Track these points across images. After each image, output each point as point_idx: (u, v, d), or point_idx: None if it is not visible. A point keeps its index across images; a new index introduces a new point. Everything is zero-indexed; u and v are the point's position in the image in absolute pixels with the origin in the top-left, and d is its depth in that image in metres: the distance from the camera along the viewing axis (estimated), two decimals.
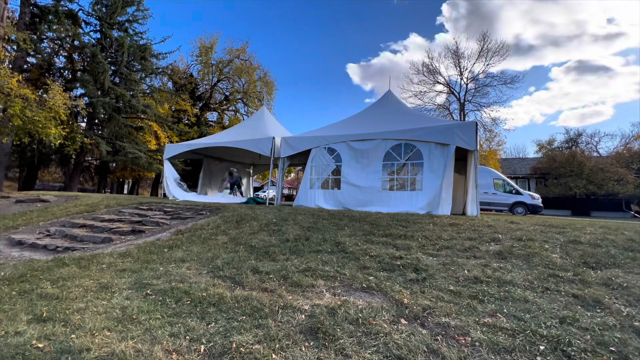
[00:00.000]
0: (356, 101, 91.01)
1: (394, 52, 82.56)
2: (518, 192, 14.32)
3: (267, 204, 11.18)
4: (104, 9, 19.24)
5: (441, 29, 67.76)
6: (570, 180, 22.02)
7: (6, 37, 12.79)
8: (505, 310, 2.68)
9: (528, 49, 58.41)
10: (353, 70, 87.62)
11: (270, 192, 18.07)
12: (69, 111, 13.94)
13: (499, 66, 26.46)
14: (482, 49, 26.66)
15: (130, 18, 20.46)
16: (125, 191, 33.31)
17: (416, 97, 28.70)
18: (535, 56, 61.93)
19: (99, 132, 19.49)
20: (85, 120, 19.88)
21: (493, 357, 2.08)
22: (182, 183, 13.35)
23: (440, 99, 28.95)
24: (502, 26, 52.81)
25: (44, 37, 17.54)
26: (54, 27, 17.06)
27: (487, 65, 26.76)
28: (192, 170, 24.41)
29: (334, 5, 76.63)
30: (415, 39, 71.77)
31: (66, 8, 17.39)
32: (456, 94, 28.06)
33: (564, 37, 58.22)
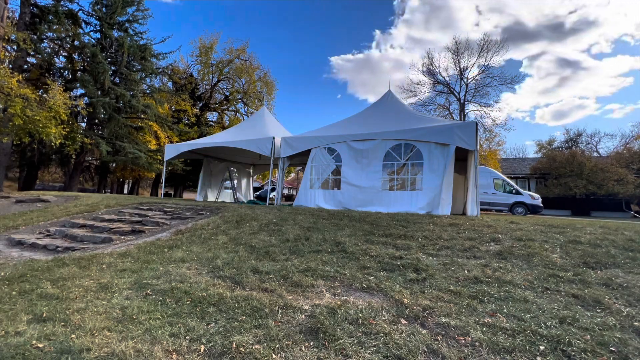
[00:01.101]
0: (330, 96, 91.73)
1: (362, 49, 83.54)
2: (518, 192, 14.33)
3: (267, 204, 11.19)
4: (104, 9, 19.24)
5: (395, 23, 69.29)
6: (570, 180, 22.03)
7: (6, 37, 12.80)
8: (505, 310, 2.68)
9: (495, 43, 58.75)
10: (321, 69, 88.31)
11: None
12: (69, 111, 13.94)
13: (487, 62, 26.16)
14: (481, 49, 26.72)
15: (130, 18, 20.45)
16: (125, 191, 33.32)
17: (416, 96, 28.75)
18: (505, 51, 61.85)
19: (99, 132, 19.50)
20: (85, 120, 19.88)
21: (493, 357, 2.08)
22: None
23: (440, 99, 28.98)
24: (461, 18, 53.22)
25: (44, 37, 17.54)
26: (54, 27, 17.07)
27: (488, 65, 26.81)
28: (192, 170, 24.44)
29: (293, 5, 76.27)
30: (375, 33, 73.76)
31: (66, 8, 17.39)
32: (456, 94, 28.09)
33: (532, 30, 56.81)
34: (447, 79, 28.26)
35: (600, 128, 77.20)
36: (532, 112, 77.30)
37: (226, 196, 16.13)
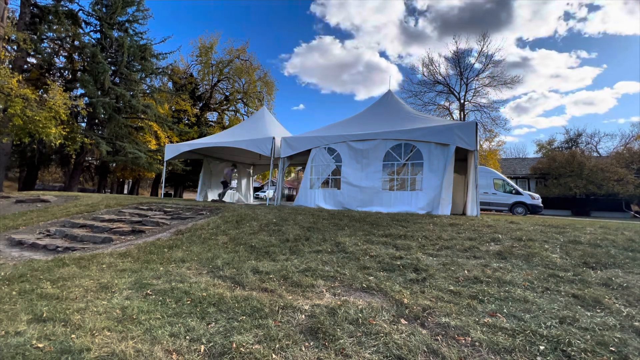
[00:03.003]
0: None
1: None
2: (518, 192, 14.32)
3: (267, 204, 11.19)
4: (104, 9, 19.24)
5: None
6: (570, 180, 22.02)
7: (6, 37, 12.80)
8: (505, 310, 2.68)
9: (428, 38, 57.91)
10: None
11: (270, 192, 18.07)
12: (69, 111, 13.94)
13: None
14: (481, 49, 26.76)
15: (130, 18, 20.45)
16: (125, 191, 33.32)
17: (416, 96, 28.75)
18: (439, 45, 62.01)
19: (99, 132, 19.49)
20: (85, 120, 19.88)
21: (493, 357, 2.08)
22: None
23: (440, 99, 29.00)
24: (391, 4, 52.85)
25: (44, 37, 17.54)
26: (54, 27, 17.07)
27: (487, 65, 26.83)
28: (192, 170, 24.44)
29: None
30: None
31: (66, 8, 17.39)
32: (456, 94, 28.09)
33: (468, 19, 54.78)
34: (447, 79, 28.28)
35: (566, 121, 77.66)
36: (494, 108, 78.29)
37: (227, 196, 16.13)
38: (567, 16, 60.69)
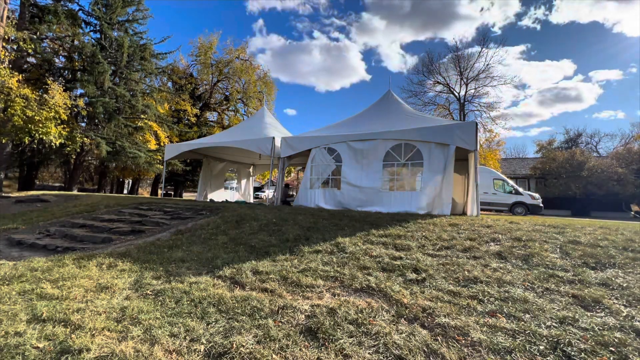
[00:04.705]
0: None
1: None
2: (518, 192, 14.33)
3: (267, 204, 11.18)
4: (103, 9, 19.21)
5: None
6: (570, 180, 22.03)
7: (6, 36, 12.80)
8: (505, 311, 2.68)
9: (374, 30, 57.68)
10: None
11: (270, 192, 18.07)
12: (69, 111, 13.93)
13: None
14: (481, 48, 26.76)
15: (130, 18, 20.45)
16: (125, 191, 33.27)
17: (416, 96, 28.77)
18: (391, 39, 61.55)
19: (99, 132, 19.48)
20: (85, 120, 19.86)
21: (493, 357, 2.08)
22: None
23: (440, 99, 29.02)
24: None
25: (44, 37, 17.52)
26: (54, 27, 17.05)
27: (487, 65, 26.83)
28: (192, 170, 24.45)
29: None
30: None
31: (66, 8, 17.38)
32: (456, 94, 28.10)
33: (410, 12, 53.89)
34: (446, 78, 28.30)
35: (536, 112, 77.59)
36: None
37: (227, 195, 16.14)
38: (525, 4, 60.05)
